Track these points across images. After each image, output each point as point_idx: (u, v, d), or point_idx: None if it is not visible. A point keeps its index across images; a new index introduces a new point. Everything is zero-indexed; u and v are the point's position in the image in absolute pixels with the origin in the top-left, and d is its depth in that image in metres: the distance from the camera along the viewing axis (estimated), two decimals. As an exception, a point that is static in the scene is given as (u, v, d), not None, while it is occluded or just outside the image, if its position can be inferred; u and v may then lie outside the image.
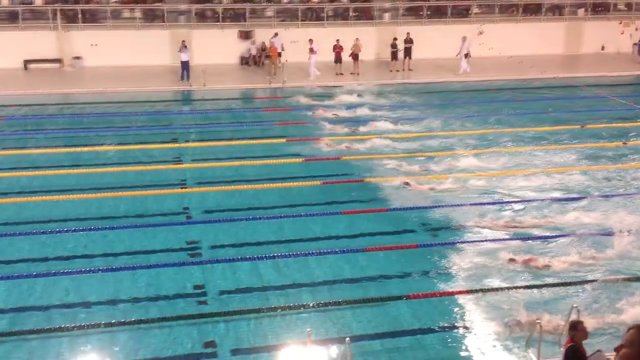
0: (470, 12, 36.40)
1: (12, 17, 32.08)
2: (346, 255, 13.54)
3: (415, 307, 11.80)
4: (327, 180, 17.79)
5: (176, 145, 20.36)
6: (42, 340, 10.78)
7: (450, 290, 12.39)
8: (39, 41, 31.06)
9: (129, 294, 12.14)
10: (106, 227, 14.70)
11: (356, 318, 11.49)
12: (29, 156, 19.88)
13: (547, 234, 14.74)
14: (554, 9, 36.90)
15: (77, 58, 31.54)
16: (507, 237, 14.53)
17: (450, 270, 13.14)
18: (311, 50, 30.43)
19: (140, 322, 11.21)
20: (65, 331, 10.94)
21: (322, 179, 17.79)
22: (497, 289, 12.34)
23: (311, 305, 11.78)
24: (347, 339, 9.29)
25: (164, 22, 33.04)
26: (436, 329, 11.21)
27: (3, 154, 19.80)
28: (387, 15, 35.57)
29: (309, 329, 9.67)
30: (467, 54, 31.19)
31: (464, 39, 31.11)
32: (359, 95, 27.32)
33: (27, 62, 31.14)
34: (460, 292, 12.26)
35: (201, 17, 34.01)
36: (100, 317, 11.32)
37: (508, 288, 12.35)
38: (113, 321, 11.20)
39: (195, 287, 12.37)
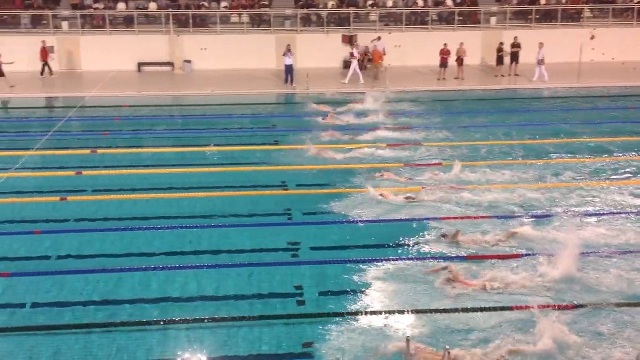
0: (582, 16, 35.06)
1: (128, 22, 33.66)
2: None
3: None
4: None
5: (278, 147, 20.66)
6: (139, 333, 11.17)
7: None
8: (152, 45, 32.46)
9: (228, 291, 12.41)
10: (212, 225, 15.11)
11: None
12: (140, 155, 20.74)
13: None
14: (674, 13, 35.04)
15: (188, 62, 32.73)
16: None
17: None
18: (352, 55, 30.24)
19: (242, 319, 11.43)
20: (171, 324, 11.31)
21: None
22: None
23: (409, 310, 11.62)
24: (408, 336, 9.31)
25: (270, 26, 33.74)
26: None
27: (117, 152, 20.75)
28: (493, 20, 34.83)
29: (408, 336, 9.59)
30: (542, 60, 30.03)
31: (541, 45, 30.01)
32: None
33: (140, 65, 32.60)
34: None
35: (306, 21, 34.48)
36: (204, 313, 11.63)
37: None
38: (215, 317, 11.49)
39: (296, 287, 12.50)
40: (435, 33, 33.33)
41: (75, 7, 33.93)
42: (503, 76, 31.15)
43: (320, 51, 32.81)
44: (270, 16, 34.04)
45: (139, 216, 15.75)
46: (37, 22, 33.30)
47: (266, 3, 35.43)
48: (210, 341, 10.84)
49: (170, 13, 33.27)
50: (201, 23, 34.07)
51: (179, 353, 10.52)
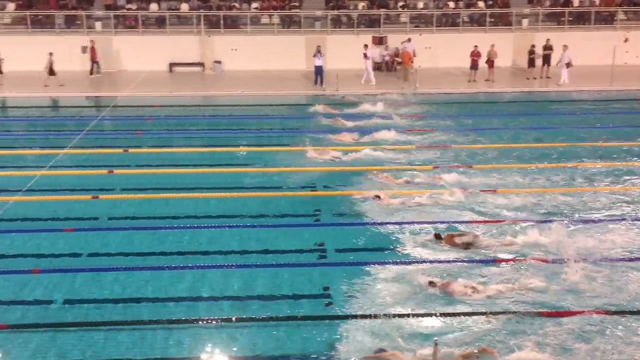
0: (615, 18, 34.57)
1: (159, 22, 34.02)
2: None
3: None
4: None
5: (304, 148, 20.69)
6: (167, 331, 11.30)
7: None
8: (183, 45, 32.77)
9: (257, 291, 12.49)
10: (239, 225, 15.21)
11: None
12: (170, 154, 20.93)
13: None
14: None
15: (218, 62, 32.98)
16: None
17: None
18: (365, 56, 30.15)
19: (269, 319, 11.50)
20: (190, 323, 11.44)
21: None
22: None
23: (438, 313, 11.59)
24: (435, 339, 9.31)
25: (300, 27, 33.84)
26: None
27: (148, 151, 20.97)
28: (525, 21, 34.51)
29: (436, 339, 9.57)
30: (569, 63, 29.62)
31: (565, 47, 29.61)
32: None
33: (172, 65, 32.93)
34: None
35: (336, 22, 34.51)
36: (232, 312, 11.73)
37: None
38: (244, 316, 11.57)
39: (324, 288, 12.54)
40: (466, 34, 33.14)
41: (108, 7, 34.40)
42: (535, 78, 30.85)
43: (350, 52, 32.80)
44: (300, 17, 34.14)
45: (169, 215, 15.93)
46: (70, 22, 33.81)
47: (296, 4, 35.56)
48: (235, 340, 10.93)
49: (202, 14, 33.56)
50: (232, 24, 34.29)
51: (206, 351, 10.62)
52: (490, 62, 30.38)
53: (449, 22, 34.64)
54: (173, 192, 17.32)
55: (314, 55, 29.65)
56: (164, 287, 12.61)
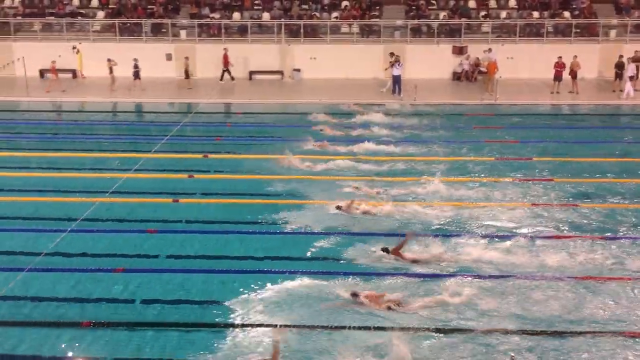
0: None
1: (241, 31, 34.68)
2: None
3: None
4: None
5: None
6: (246, 333, 11.49)
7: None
8: (264, 54, 33.26)
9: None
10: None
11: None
12: (248, 161, 21.20)
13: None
14: None
15: (297, 70, 33.33)
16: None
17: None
18: (391, 65, 29.88)
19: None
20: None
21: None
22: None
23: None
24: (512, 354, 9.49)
25: (379, 37, 33.83)
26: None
27: (227, 157, 21.34)
28: (613, 32, 33.38)
29: (513, 354, 9.42)
30: (633, 76, 28.37)
31: (630, 60, 28.34)
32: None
33: (251, 73, 33.50)
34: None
35: (416, 32, 34.32)
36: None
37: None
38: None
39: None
40: (549, 45, 32.33)
41: (193, 16, 35.31)
42: (621, 91, 29.76)
43: (429, 62, 32.53)
44: (380, 26, 34.13)
45: (244, 220, 16.21)
46: (157, 30, 34.90)
47: (376, 13, 35.57)
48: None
49: (283, 23, 34.02)
50: (311, 33, 34.59)
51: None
52: (573, 74, 29.54)
53: (533, 32, 33.87)
54: (248, 198, 17.60)
55: (392, 65, 29.57)
56: (239, 290, 12.84)
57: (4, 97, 30.32)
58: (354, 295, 12.21)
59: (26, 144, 23.52)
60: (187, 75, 31.29)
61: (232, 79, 32.42)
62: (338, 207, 16.43)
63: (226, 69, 32.27)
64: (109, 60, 30.65)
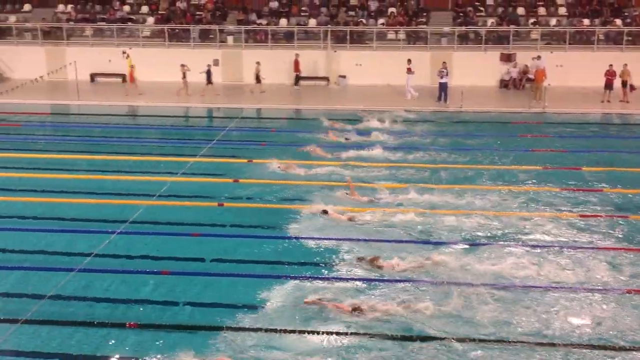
0: None
1: (288, 37, 34.91)
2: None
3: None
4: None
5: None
6: (283, 337, 11.58)
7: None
8: (309, 59, 33.38)
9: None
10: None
11: None
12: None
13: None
14: None
15: (342, 77, 33.39)
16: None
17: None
18: (409, 70, 29.42)
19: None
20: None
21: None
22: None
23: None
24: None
25: (426, 43, 33.66)
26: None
27: (270, 162, 21.41)
28: (667, 40, 32.60)
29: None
30: None
31: None
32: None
33: (297, 79, 33.67)
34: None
35: (463, 38, 34.05)
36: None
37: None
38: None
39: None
40: (600, 53, 31.73)
41: (240, 22, 35.71)
42: (676, 101, 29.02)
43: (476, 69, 32.27)
44: (427, 33, 33.97)
45: (286, 225, 16.27)
46: (204, 36, 35.38)
47: (423, 20, 35.41)
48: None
49: (329, 29, 34.13)
50: (357, 39, 34.62)
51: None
52: (623, 82, 28.93)
53: (583, 39, 33.28)
54: (293, 203, 17.66)
55: (439, 72, 29.41)
56: (280, 294, 12.91)
57: (55, 100, 31.19)
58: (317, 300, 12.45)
59: (77, 147, 24.07)
60: (258, 79, 31.57)
61: (296, 83, 32.89)
62: (324, 212, 16.53)
63: (298, 74, 32.55)
64: (182, 65, 31.06)
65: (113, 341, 11.50)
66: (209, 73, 31.02)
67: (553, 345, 11.26)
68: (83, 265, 13.81)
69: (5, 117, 28.21)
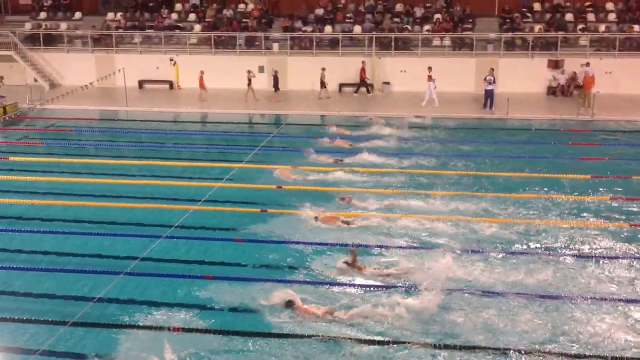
0: None
1: (332, 44, 35.02)
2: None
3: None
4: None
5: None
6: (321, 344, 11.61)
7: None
8: (353, 66, 33.42)
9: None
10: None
11: None
12: (335, 173, 21.26)
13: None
14: None
15: (386, 83, 33.33)
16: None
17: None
18: (429, 78, 29.39)
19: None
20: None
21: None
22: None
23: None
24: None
25: (472, 50, 33.39)
26: None
27: (313, 169, 21.49)
28: None
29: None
30: None
31: None
32: None
33: (341, 85, 33.77)
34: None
35: (510, 45, 33.66)
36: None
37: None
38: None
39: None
40: (651, 59, 31.06)
41: (285, 29, 35.96)
42: None
43: (523, 75, 31.87)
44: (472, 39, 33.68)
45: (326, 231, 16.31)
46: (250, 43, 35.74)
47: (469, 26, 35.12)
48: None
49: (374, 36, 34.13)
50: (402, 46, 34.53)
51: None
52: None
53: (633, 45, 32.57)
54: (337, 210, 17.70)
55: (485, 79, 29.13)
56: (329, 297, 12.97)
57: (105, 106, 31.88)
58: (289, 303, 12.53)
59: (126, 152, 24.56)
60: (324, 85, 31.93)
61: (357, 91, 33.10)
62: (316, 218, 16.70)
63: (363, 81, 32.74)
64: (248, 71, 31.54)
65: (156, 345, 11.64)
66: (275, 79, 31.39)
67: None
68: (130, 269, 14.05)
69: (55, 123, 28.96)
